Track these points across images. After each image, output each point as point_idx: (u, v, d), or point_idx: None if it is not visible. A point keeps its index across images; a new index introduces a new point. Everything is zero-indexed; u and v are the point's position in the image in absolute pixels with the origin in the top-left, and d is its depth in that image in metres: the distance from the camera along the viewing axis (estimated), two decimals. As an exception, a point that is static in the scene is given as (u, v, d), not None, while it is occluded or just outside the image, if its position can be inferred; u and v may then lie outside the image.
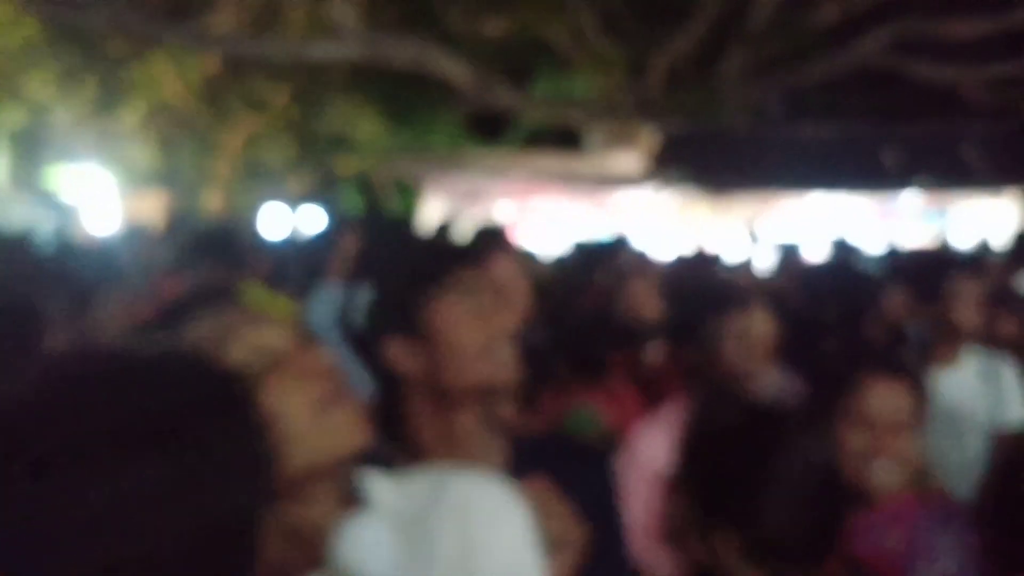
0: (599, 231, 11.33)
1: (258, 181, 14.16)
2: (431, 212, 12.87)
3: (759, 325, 2.22)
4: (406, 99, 13.76)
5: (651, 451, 2.09)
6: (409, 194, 14.09)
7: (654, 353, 3.40)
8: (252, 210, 13.46)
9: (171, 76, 13.27)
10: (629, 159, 12.62)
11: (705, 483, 1.28)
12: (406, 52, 12.04)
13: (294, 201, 15.43)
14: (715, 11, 11.54)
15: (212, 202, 13.95)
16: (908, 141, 11.61)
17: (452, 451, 1.22)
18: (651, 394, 2.77)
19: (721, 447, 1.29)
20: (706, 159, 11.75)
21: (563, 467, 1.20)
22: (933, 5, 11.68)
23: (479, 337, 1.22)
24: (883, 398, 1.75)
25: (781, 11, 11.83)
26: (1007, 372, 2.86)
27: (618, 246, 5.95)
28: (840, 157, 11.59)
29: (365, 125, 13.96)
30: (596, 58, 12.97)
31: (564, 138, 13.99)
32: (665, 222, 11.76)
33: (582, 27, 12.76)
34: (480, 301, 1.24)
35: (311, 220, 12.06)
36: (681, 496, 1.29)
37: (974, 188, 11.42)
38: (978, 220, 10.90)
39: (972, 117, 12.41)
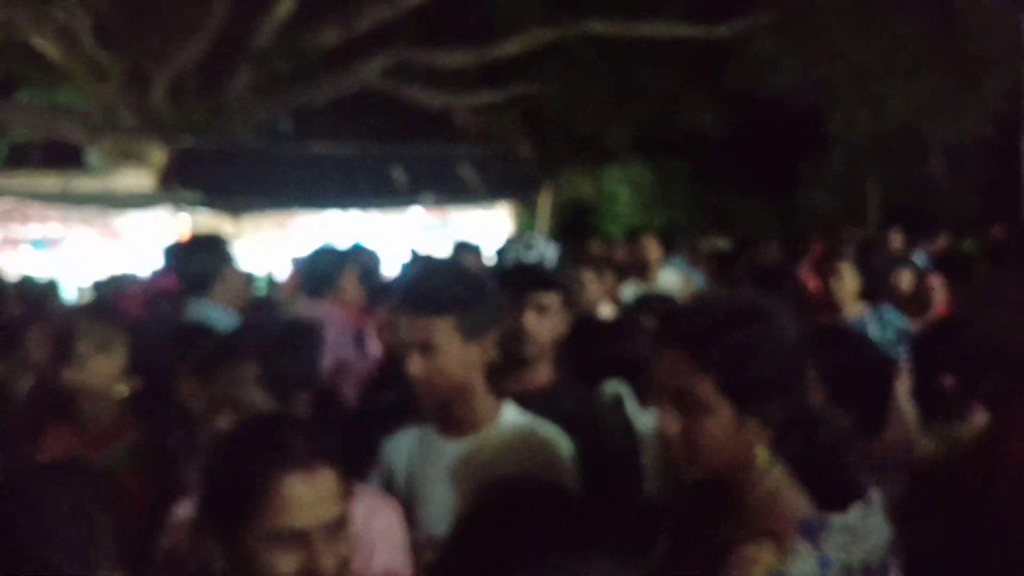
0: (109, 259, 10.41)
1: None
2: None
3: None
4: None
5: None
6: None
7: None
8: None
9: None
10: (137, 178, 11.74)
11: None
12: None
13: None
14: (219, 25, 11.31)
15: None
16: (410, 160, 12.49)
17: None
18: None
19: None
20: (219, 178, 11.38)
21: None
22: (424, 35, 12.78)
23: None
24: None
25: (286, 30, 12.02)
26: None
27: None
28: (349, 175, 12.04)
29: None
30: (93, 69, 11.94)
31: (63, 156, 12.68)
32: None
33: (76, 34, 11.67)
34: None
35: None
36: None
37: (470, 202, 12.68)
38: (475, 229, 12.14)
39: (463, 139, 13.84)
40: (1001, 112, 13.29)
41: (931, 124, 13.49)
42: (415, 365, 1.87)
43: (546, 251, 2.56)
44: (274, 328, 2.14)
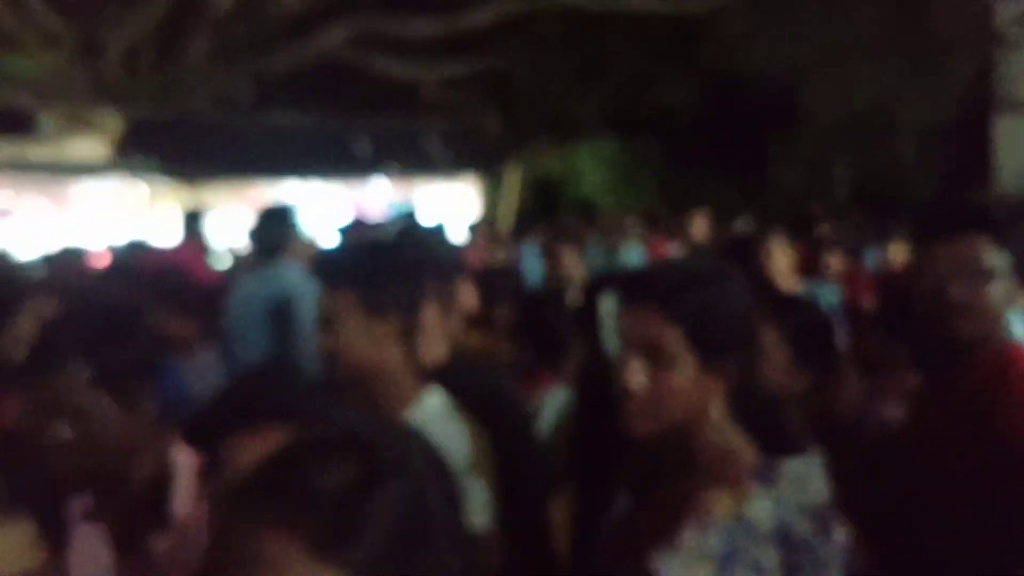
0: (62, 229, 10.14)
1: None
2: None
3: None
4: None
5: None
6: None
7: None
8: None
9: None
10: (90, 146, 11.44)
11: None
12: None
13: None
14: (174, -9, 11.01)
15: None
16: (375, 132, 12.31)
17: None
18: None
19: None
20: (175, 146, 11.14)
21: None
22: (389, 4, 12.48)
23: None
24: None
25: (244, -4, 11.71)
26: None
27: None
28: (312, 145, 11.85)
29: None
30: (45, 36, 11.58)
31: (14, 123, 12.31)
32: (134, 213, 10.90)
33: (27, 1, 11.32)
34: None
35: None
36: None
37: (434, 174, 12.52)
38: (440, 202, 11.99)
39: (430, 112, 13.59)
40: (969, 93, 13.24)
41: (899, 104, 13.43)
42: (323, 339, 1.87)
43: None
44: (96, 316, 1.82)
